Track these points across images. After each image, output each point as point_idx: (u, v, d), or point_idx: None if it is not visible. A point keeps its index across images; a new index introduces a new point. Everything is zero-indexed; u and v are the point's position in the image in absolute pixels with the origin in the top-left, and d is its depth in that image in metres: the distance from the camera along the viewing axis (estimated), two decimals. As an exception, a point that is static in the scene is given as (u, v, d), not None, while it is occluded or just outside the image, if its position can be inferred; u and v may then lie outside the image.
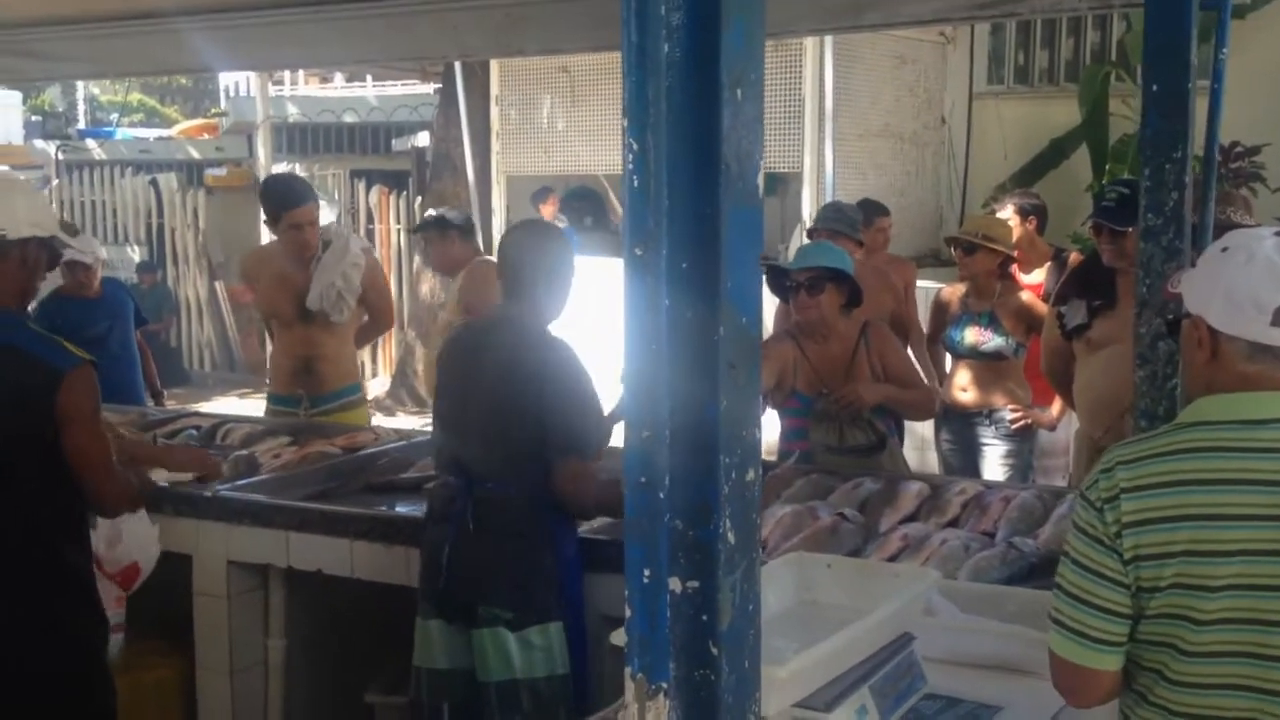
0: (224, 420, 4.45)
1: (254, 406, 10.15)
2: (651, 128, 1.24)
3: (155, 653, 3.40)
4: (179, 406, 5.79)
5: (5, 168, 16.33)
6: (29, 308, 3.04)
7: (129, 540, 3.09)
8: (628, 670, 1.27)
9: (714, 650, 1.26)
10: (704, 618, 1.26)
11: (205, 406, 6.73)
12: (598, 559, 2.93)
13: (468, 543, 2.76)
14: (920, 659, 2.08)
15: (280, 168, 12.50)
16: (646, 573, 1.26)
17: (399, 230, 11.97)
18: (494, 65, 10.08)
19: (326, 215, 7.36)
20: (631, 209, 1.27)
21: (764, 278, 3.26)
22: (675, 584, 1.26)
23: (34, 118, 24.36)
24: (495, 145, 10.49)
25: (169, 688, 3.45)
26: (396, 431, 4.40)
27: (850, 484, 3.36)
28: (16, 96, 23.97)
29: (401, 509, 3.41)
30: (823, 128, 8.45)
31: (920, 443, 5.59)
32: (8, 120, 22.34)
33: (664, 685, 1.25)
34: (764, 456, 1.58)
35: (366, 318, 4.79)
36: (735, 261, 1.29)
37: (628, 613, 1.27)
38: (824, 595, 2.22)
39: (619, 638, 2.06)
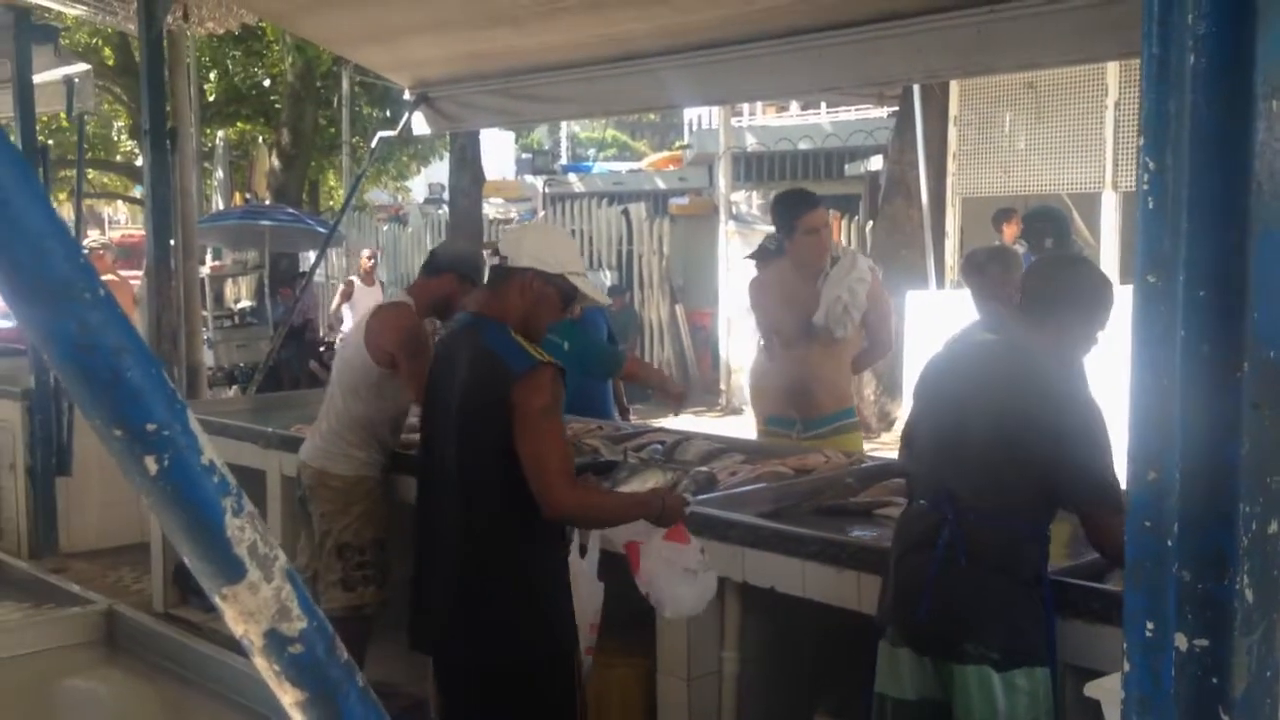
0: (686, 436, 4.66)
1: (706, 425, 10.63)
2: (1172, 145, 1.16)
3: (621, 651, 3.60)
4: (642, 422, 6.15)
5: (500, 200, 18.29)
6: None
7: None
8: (1124, 729, 1.19)
9: (1224, 717, 1.15)
10: (1214, 680, 1.16)
11: (663, 423, 7.12)
12: (1062, 603, 2.76)
13: (955, 574, 2.67)
14: None
15: (739, 196, 13.04)
16: (1150, 626, 1.17)
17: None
18: (953, 85, 9.91)
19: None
20: (1145, 232, 1.19)
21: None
22: (1181, 640, 1.16)
23: (524, 155, 27.06)
24: (951, 166, 10.30)
25: (632, 685, 3.65)
26: (845, 455, 4.40)
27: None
28: (509, 136, 26.78)
29: (853, 533, 3.41)
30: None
31: None
32: (502, 158, 25.03)
33: (1168, 750, 1.15)
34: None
35: (866, 344, 4.76)
36: (1264, 290, 1.17)
37: (1125, 667, 1.19)
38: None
39: (1095, 689, 1.94)
